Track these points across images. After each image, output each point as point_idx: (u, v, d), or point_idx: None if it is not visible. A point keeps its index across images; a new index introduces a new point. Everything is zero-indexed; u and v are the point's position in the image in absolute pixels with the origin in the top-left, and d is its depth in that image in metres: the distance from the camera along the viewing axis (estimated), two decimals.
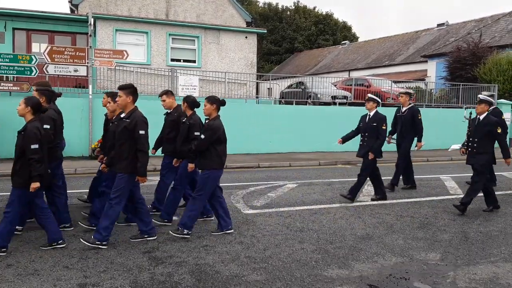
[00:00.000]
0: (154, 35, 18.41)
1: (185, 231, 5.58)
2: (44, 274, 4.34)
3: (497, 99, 19.01)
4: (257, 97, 18.86)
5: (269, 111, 15.45)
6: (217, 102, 5.67)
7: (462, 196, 8.50)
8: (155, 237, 5.52)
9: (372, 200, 7.98)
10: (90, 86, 13.29)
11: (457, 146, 7.12)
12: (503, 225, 6.47)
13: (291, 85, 19.62)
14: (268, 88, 20.37)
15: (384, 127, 7.68)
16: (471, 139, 7.18)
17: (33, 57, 12.75)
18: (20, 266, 4.55)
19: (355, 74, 31.52)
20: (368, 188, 9.16)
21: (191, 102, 6.26)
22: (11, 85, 12.64)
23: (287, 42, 48.11)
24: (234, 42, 19.59)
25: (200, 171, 5.81)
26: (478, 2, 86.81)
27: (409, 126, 9.01)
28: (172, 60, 18.81)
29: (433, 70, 26.16)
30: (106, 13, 18.66)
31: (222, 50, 19.44)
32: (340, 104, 17.29)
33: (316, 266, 4.68)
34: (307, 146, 15.53)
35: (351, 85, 18.53)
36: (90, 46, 13.29)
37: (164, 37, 18.59)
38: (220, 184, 5.97)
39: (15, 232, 5.26)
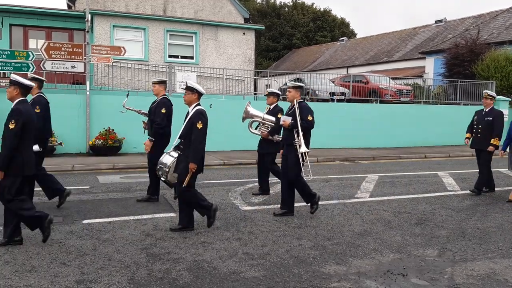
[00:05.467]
0: (151, 31, 18.35)
1: None
2: (41, 271, 4.33)
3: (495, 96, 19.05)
4: (255, 94, 18.82)
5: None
6: None
7: (460, 192, 8.54)
8: None
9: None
10: (88, 83, 13.24)
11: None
12: (501, 221, 6.48)
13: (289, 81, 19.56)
14: (266, 85, 20.32)
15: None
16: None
17: (30, 53, 12.69)
18: (18, 263, 4.54)
19: (353, 71, 31.48)
20: (365, 184, 9.18)
21: None
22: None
23: (285, 38, 48.01)
24: (232, 38, 19.54)
25: None
26: None
27: None
28: (170, 56, 18.75)
29: (431, 66, 26.13)
30: (103, 9, 18.59)
31: (220, 46, 19.38)
32: (338, 100, 17.28)
33: (313, 263, 4.68)
34: None
35: (349, 81, 18.51)
36: (88, 42, 13.24)
37: (161, 33, 18.52)
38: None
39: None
